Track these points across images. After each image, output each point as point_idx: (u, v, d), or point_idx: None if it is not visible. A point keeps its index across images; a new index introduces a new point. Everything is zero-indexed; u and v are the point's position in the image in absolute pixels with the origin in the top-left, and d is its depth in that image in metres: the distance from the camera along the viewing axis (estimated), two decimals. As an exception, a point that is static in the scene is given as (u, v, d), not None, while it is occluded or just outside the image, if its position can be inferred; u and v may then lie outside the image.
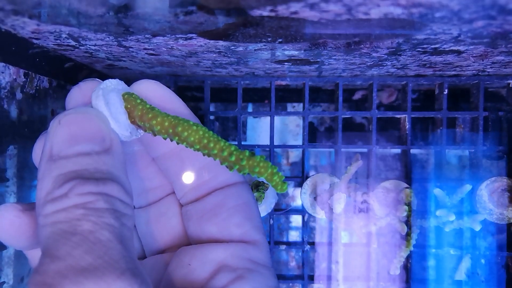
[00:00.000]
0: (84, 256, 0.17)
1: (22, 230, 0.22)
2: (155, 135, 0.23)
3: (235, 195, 0.25)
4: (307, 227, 0.48)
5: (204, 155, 0.22)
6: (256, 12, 0.24)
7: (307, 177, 0.46)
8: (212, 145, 0.21)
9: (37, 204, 0.20)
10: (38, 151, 0.23)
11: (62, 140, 0.21)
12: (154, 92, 0.25)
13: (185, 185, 0.26)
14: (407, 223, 0.43)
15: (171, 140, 0.22)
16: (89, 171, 0.20)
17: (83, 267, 0.17)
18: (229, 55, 0.36)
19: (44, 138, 0.22)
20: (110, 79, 0.23)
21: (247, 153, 0.21)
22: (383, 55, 0.36)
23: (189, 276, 0.23)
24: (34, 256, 0.24)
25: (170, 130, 0.22)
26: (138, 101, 0.23)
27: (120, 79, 0.24)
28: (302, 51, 0.34)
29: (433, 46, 0.32)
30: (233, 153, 0.21)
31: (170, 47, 0.33)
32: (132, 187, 0.26)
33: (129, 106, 0.23)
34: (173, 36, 0.30)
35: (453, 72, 0.44)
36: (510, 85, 0.46)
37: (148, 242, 0.27)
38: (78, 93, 0.24)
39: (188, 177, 0.26)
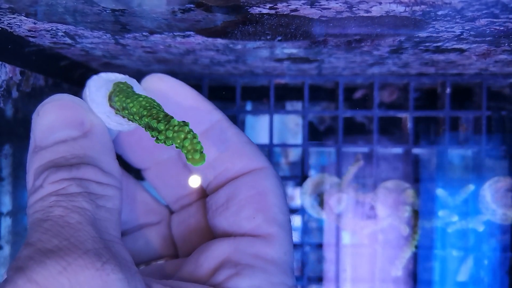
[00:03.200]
0: (51, 239, 0.18)
1: None
2: (129, 119, 0.22)
3: (248, 185, 0.24)
4: (307, 228, 0.48)
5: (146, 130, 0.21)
6: (256, 10, 0.24)
7: (306, 177, 0.46)
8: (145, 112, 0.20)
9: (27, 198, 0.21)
10: None
11: (41, 131, 0.22)
12: (163, 86, 0.25)
13: (207, 175, 0.25)
14: (409, 223, 0.43)
15: (124, 117, 0.22)
16: (66, 158, 0.21)
17: (49, 249, 0.18)
18: (227, 53, 0.36)
19: None
20: (104, 74, 0.23)
21: (172, 118, 0.20)
22: (384, 54, 0.35)
23: (195, 272, 0.23)
24: None
25: (123, 105, 0.21)
26: (119, 89, 0.23)
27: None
28: (302, 49, 0.34)
29: (435, 45, 0.32)
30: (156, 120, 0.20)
31: (167, 45, 0.33)
32: (167, 193, 0.27)
33: (110, 98, 0.23)
34: (171, 33, 0.29)
35: (456, 71, 0.43)
36: (513, 84, 0.46)
37: (180, 245, 0.27)
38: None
39: (206, 167, 0.25)
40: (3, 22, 0.27)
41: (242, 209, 0.24)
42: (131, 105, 0.21)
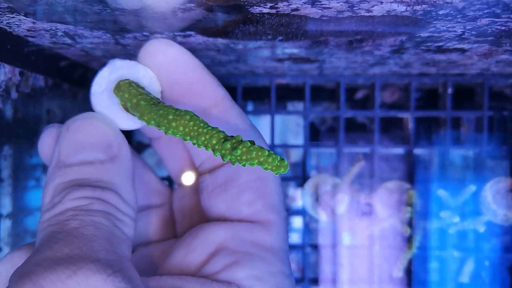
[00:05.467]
0: (62, 248, 0.17)
1: None
2: (149, 125, 0.21)
3: (249, 168, 0.23)
4: (308, 229, 0.48)
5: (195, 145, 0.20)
6: (256, 9, 0.24)
7: (308, 178, 0.46)
8: (200, 131, 0.19)
9: (40, 212, 0.20)
10: (42, 146, 0.23)
11: (68, 147, 0.21)
12: (170, 52, 0.23)
13: (201, 153, 0.25)
14: (410, 224, 0.43)
15: (160, 130, 0.21)
16: (90, 180, 0.20)
17: (59, 257, 0.17)
18: (228, 53, 0.36)
19: (48, 132, 0.23)
20: (100, 74, 0.23)
21: (239, 137, 0.19)
22: (385, 54, 0.35)
23: (187, 257, 0.22)
24: None
25: (157, 119, 0.21)
26: (127, 93, 0.22)
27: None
28: (303, 49, 0.34)
29: (436, 44, 0.32)
30: (224, 144, 0.19)
31: (168, 45, 0.32)
32: (173, 165, 0.27)
33: (120, 93, 0.22)
34: (171, 33, 0.29)
35: (457, 71, 0.43)
36: (515, 84, 0.45)
37: (179, 221, 0.27)
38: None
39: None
40: (2, 22, 0.27)
41: (242, 193, 0.23)
42: (174, 124, 0.20)
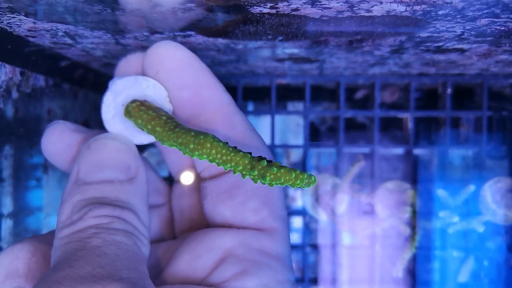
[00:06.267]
0: (84, 266, 0.17)
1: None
2: (164, 144, 0.22)
3: None
4: (308, 229, 0.48)
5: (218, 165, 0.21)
6: (256, 9, 0.24)
7: (308, 178, 0.46)
8: (226, 158, 0.20)
9: (56, 227, 0.20)
10: (46, 142, 0.24)
11: (89, 166, 0.21)
12: (173, 59, 0.23)
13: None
14: (410, 224, 0.43)
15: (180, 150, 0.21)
16: (109, 199, 0.20)
17: (80, 276, 0.17)
18: (228, 53, 0.36)
19: (53, 128, 0.23)
20: (105, 100, 0.23)
21: (264, 163, 0.19)
22: (385, 54, 0.35)
23: (193, 263, 0.22)
24: None
25: (179, 141, 0.21)
26: (139, 119, 0.22)
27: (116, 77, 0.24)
28: (303, 49, 0.34)
29: (436, 44, 0.32)
30: (255, 168, 0.19)
31: (168, 45, 0.32)
32: (173, 161, 0.27)
33: (132, 118, 0.23)
34: (171, 33, 0.29)
35: (457, 71, 0.43)
36: (514, 84, 0.45)
37: (177, 219, 0.27)
38: (126, 65, 0.24)
39: None
40: (2, 22, 0.27)
41: (248, 200, 0.23)
42: (197, 153, 0.20)
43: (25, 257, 0.22)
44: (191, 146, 0.20)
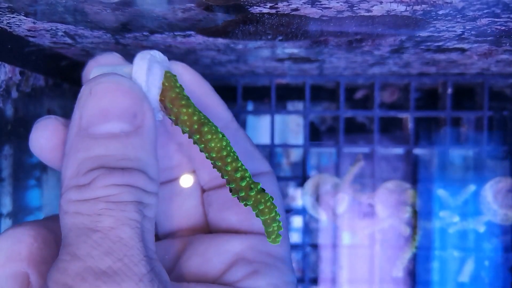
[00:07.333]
0: (103, 257, 0.18)
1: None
2: (176, 124, 0.21)
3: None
4: (308, 229, 0.48)
5: (214, 167, 0.21)
6: (256, 9, 0.24)
7: (308, 178, 0.46)
8: (229, 160, 0.20)
9: (62, 182, 0.20)
10: (36, 139, 0.22)
11: (92, 114, 0.20)
12: (186, 76, 0.24)
13: (210, 171, 0.25)
14: (410, 224, 0.43)
15: (189, 137, 0.21)
16: (116, 158, 0.20)
17: (102, 270, 0.17)
18: (228, 53, 0.36)
19: (43, 124, 0.22)
20: (158, 52, 0.22)
21: (259, 186, 0.20)
22: (385, 53, 0.35)
23: (204, 266, 0.23)
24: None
25: (195, 126, 0.21)
26: (178, 84, 0.22)
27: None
28: (303, 49, 0.34)
29: (436, 44, 0.32)
30: (246, 178, 0.20)
31: (168, 45, 0.32)
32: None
33: (167, 84, 0.22)
34: (171, 33, 0.29)
35: (457, 71, 0.43)
36: (515, 84, 0.45)
37: (160, 220, 0.27)
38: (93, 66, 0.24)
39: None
40: (2, 22, 0.27)
41: None
42: (209, 138, 0.21)
43: (27, 241, 0.21)
44: (212, 144, 0.21)
